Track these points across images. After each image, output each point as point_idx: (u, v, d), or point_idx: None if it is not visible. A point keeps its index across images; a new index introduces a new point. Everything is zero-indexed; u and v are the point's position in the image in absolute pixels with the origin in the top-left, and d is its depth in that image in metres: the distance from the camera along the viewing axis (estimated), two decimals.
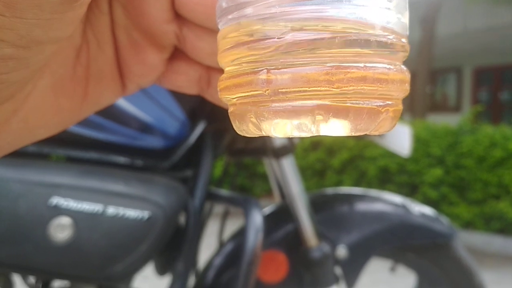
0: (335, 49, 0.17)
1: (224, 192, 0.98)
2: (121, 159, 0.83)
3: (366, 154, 4.23)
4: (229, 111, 0.20)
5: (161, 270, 0.93)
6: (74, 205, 0.73)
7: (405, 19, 0.19)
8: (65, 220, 0.73)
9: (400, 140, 0.99)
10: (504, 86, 9.56)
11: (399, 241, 1.03)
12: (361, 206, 1.02)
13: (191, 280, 0.92)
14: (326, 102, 0.17)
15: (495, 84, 9.69)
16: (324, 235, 0.96)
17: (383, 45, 0.18)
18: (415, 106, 7.18)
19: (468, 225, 3.75)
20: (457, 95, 10.31)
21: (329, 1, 0.17)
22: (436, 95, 10.58)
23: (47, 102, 0.23)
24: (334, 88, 0.17)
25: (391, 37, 0.18)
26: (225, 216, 1.06)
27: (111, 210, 0.74)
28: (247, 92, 0.18)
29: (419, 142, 3.91)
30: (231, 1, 0.19)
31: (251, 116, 0.18)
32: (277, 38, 0.17)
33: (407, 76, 0.19)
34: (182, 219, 0.89)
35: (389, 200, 1.04)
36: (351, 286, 0.99)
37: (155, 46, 0.25)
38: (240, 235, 0.97)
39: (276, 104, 0.17)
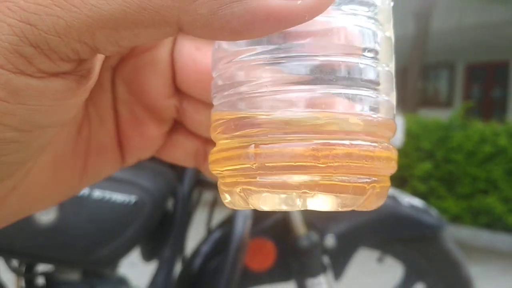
0: (322, 127, 0.18)
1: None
2: None
3: None
4: (218, 183, 0.20)
5: (148, 256, 0.92)
6: None
7: (393, 100, 0.20)
8: None
9: None
10: (496, 83, 9.61)
11: (388, 232, 1.03)
12: None
13: (178, 267, 0.92)
14: (312, 177, 0.18)
15: (487, 81, 9.74)
16: (312, 224, 0.96)
17: (369, 125, 0.18)
18: (407, 100, 7.20)
19: (455, 219, 3.79)
20: (449, 90, 10.35)
21: (320, 82, 0.18)
22: (428, 90, 10.62)
23: (47, 176, 0.23)
24: (320, 164, 0.17)
25: (379, 118, 0.19)
26: (213, 204, 1.05)
27: (97, 193, 0.73)
28: (236, 165, 0.19)
29: (410, 136, 3.93)
30: (227, 79, 0.19)
31: (239, 189, 0.19)
32: (266, 116, 0.18)
33: (393, 154, 0.19)
34: (170, 205, 0.88)
35: None
36: (339, 276, 0.99)
37: (156, 120, 0.26)
38: (228, 222, 0.97)
39: (263, 178, 0.18)
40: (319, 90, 0.18)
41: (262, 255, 0.97)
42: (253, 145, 0.18)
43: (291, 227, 0.94)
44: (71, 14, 0.16)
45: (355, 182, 0.18)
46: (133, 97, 0.26)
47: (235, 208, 0.20)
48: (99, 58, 0.20)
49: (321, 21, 0.18)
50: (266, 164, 0.18)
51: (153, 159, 0.83)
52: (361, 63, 0.18)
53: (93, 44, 0.16)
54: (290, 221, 0.94)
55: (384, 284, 1.24)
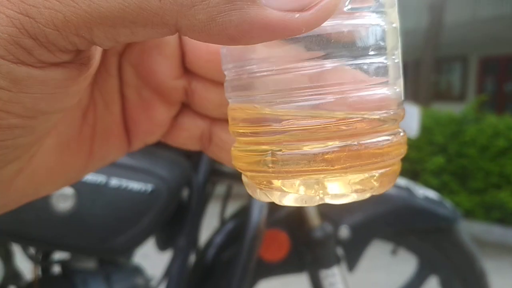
0: (333, 134, 0.19)
1: (228, 168, 0.97)
2: None
3: None
4: (243, 179, 0.22)
5: (162, 246, 0.93)
6: None
7: (399, 87, 0.21)
8: (68, 190, 0.72)
9: (408, 120, 0.98)
10: (510, 77, 9.49)
11: (402, 224, 1.03)
12: None
13: (192, 257, 0.92)
14: (326, 178, 0.19)
15: (500, 74, 9.62)
16: (326, 215, 0.95)
17: (379, 121, 0.19)
18: (419, 94, 7.14)
19: (468, 214, 3.76)
20: (462, 84, 10.25)
21: (330, 86, 0.19)
22: (441, 83, 10.52)
23: (53, 160, 0.24)
24: (332, 167, 0.19)
25: (389, 112, 0.20)
26: (227, 196, 1.05)
27: (114, 181, 0.74)
28: (255, 172, 0.20)
29: (422, 129, 3.89)
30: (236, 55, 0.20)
31: (261, 188, 0.20)
32: (279, 126, 0.19)
33: (402, 140, 0.21)
34: (185, 194, 0.89)
35: None
36: (353, 267, 0.99)
37: (164, 103, 0.26)
38: (241, 214, 0.97)
39: (281, 182, 0.20)
40: (330, 96, 0.19)
41: (276, 246, 0.97)
42: (270, 152, 0.19)
43: (305, 218, 0.94)
44: (69, 9, 0.16)
45: (367, 177, 0.19)
46: (141, 80, 0.26)
47: (259, 200, 0.22)
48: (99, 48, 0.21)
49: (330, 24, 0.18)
50: (283, 170, 0.19)
51: (169, 148, 0.83)
52: (370, 62, 0.19)
53: (90, 38, 0.17)
54: (304, 212, 0.93)
55: (397, 279, 1.24)
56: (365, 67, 0.19)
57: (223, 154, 0.27)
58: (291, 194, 0.20)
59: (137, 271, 0.88)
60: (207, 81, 0.25)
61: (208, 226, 1.00)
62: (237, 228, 0.96)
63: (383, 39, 0.19)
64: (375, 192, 0.20)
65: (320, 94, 0.19)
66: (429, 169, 3.90)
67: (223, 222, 1.00)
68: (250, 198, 0.87)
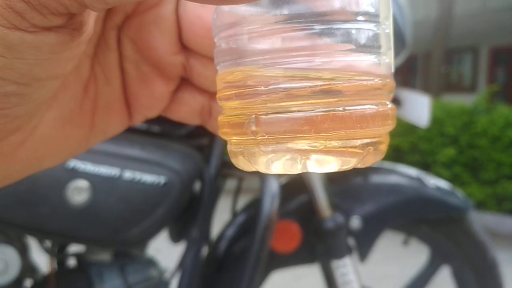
0: (318, 98, 0.18)
1: None
2: (138, 124, 0.83)
3: None
4: (227, 148, 0.22)
5: (175, 238, 0.94)
6: (92, 169, 0.74)
7: (390, 58, 0.20)
8: (83, 183, 0.73)
9: (419, 110, 0.98)
10: None
11: (414, 214, 1.03)
12: (376, 178, 1.01)
13: (205, 250, 0.93)
14: (310, 144, 0.19)
15: (511, 64, 9.51)
16: (338, 206, 0.96)
17: (366, 87, 0.19)
18: (430, 85, 7.09)
19: (480, 205, 3.73)
20: (473, 75, 10.15)
21: (319, 51, 0.18)
22: (451, 74, 10.43)
23: (55, 132, 0.24)
24: (316, 132, 0.18)
25: (376, 80, 0.19)
26: (238, 189, 1.05)
27: (128, 174, 0.75)
28: (240, 135, 0.20)
29: (433, 121, 3.87)
30: (225, 26, 0.20)
31: (244, 155, 0.20)
32: (265, 87, 0.19)
33: (390, 113, 0.20)
34: (197, 187, 0.90)
35: (404, 173, 1.04)
36: (364, 258, 0.99)
37: (163, 78, 0.26)
38: (252, 206, 0.98)
39: (265, 147, 0.19)
40: (318, 59, 0.18)
41: (287, 237, 0.98)
42: (255, 116, 0.19)
43: (316, 209, 0.94)
44: None
45: (352, 146, 0.19)
46: (140, 55, 0.26)
47: (243, 169, 0.21)
48: (92, 12, 0.21)
49: None
50: (266, 135, 0.19)
51: (181, 141, 0.83)
52: (359, 28, 0.19)
53: (81, 0, 0.17)
54: (315, 203, 0.94)
55: (408, 271, 1.24)
56: (354, 32, 0.19)
57: None
58: (273, 161, 0.19)
59: (151, 263, 0.89)
60: (204, 57, 0.25)
61: (220, 221, 1.01)
62: (249, 221, 0.96)
63: (374, 6, 0.19)
64: (360, 163, 0.19)
65: (307, 56, 0.18)
66: (440, 161, 3.87)
67: (234, 214, 1.01)
68: (261, 190, 0.88)
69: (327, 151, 0.19)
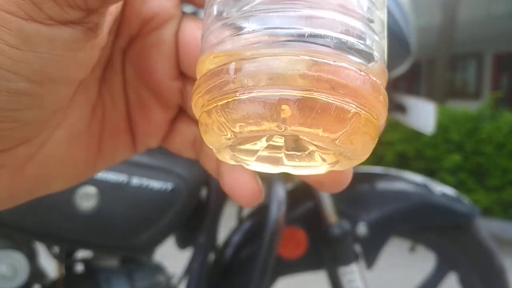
0: (308, 45, 0.17)
1: None
2: None
3: (383, 139, 4.20)
4: (199, 120, 0.19)
5: (182, 244, 0.94)
6: (100, 175, 0.74)
7: (384, 46, 0.19)
8: (91, 190, 0.74)
9: (424, 117, 0.98)
10: None
11: (420, 221, 1.03)
12: (382, 185, 1.02)
13: (211, 256, 0.93)
14: (293, 91, 0.16)
15: None
16: (344, 213, 0.96)
17: (358, 52, 0.17)
18: (434, 92, 7.09)
19: (486, 211, 3.72)
20: (477, 81, 10.14)
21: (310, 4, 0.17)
22: (455, 81, 10.42)
23: (63, 152, 0.24)
24: (302, 80, 0.16)
25: (367, 45, 0.18)
26: None
27: (135, 180, 0.75)
28: (215, 82, 0.18)
29: (438, 127, 3.87)
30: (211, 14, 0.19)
31: (217, 111, 0.17)
32: (250, 33, 0.17)
33: (382, 94, 0.18)
34: (203, 193, 0.90)
35: (410, 180, 1.04)
36: (371, 264, 0.99)
37: (161, 105, 0.27)
38: (258, 213, 0.98)
39: (242, 95, 0.17)
40: (305, 10, 0.17)
41: (294, 244, 0.98)
42: (234, 62, 0.17)
43: (323, 216, 0.94)
44: None
45: (338, 103, 0.16)
46: (140, 80, 0.26)
47: (213, 146, 0.19)
48: (107, 20, 0.21)
49: None
50: (246, 78, 0.17)
51: None
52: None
53: None
54: (322, 209, 0.94)
55: (415, 277, 1.23)
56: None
57: (209, 163, 0.26)
58: (248, 128, 0.17)
59: (159, 269, 0.89)
60: None
61: (225, 227, 1.01)
62: (255, 227, 0.97)
63: (369, 12, 0.18)
64: (346, 137, 0.17)
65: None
66: (446, 167, 3.87)
67: (240, 221, 1.01)
68: (268, 196, 0.88)
69: (312, 101, 0.16)
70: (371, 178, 1.02)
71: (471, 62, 10.24)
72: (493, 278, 1.07)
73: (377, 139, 0.18)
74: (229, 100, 0.17)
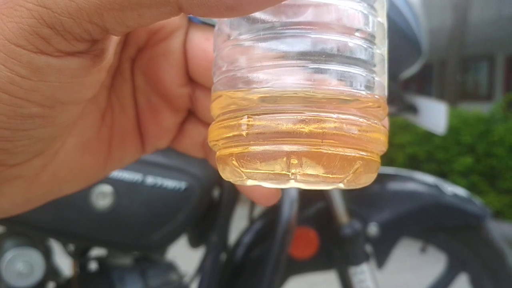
0: (312, 101, 0.18)
1: None
2: None
3: (394, 141, 4.19)
4: (216, 157, 0.21)
5: (194, 243, 0.95)
6: (115, 174, 0.75)
7: (384, 81, 0.21)
8: (106, 188, 0.75)
9: (436, 117, 0.98)
10: None
11: (431, 221, 1.02)
12: (394, 185, 1.02)
13: (223, 256, 0.94)
14: (301, 147, 0.18)
15: None
16: (355, 213, 0.96)
17: (360, 101, 0.19)
18: (446, 94, 7.04)
19: (497, 214, 3.69)
20: (489, 83, 10.05)
21: (313, 59, 0.18)
22: (467, 83, 10.34)
23: (74, 159, 0.26)
24: (308, 135, 0.18)
25: (369, 96, 0.19)
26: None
27: (150, 179, 0.76)
28: (229, 133, 0.19)
29: (450, 130, 3.84)
30: (224, 57, 0.21)
31: (233, 159, 0.19)
32: (259, 88, 0.19)
33: (383, 132, 0.20)
34: (216, 193, 0.91)
35: (421, 180, 1.04)
36: (382, 265, 0.99)
37: (171, 110, 0.28)
38: (269, 213, 0.98)
39: (255, 147, 0.19)
40: (311, 65, 0.18)
41: (305, 244, 0.98)
42: (246, 116, 0.19)
43: (334, 216, 0.94)
44: None
45: (342, 153, 0.18)
46: (150, 86, 0.27)
47: (231, 181, 0.21)
48: (113, 41, 0.22)
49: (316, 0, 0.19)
50: (258, 134, 0.18)
51: None
52: (355, 43, 0.19)
53: (102, 24, 0.18)
54: (333, 209, 0.94)
55: (426, 280, 1.23)
56: (351, 45, 0.19)
57: None
58: (262, 167, 0.19)
59: (171, 267, 0.90)
60: (208, 89, 0.26)
61: (236, 228, 1.02)
62: (266, 227, 0.97)
63: (370, 26, 0.20)
64: (350, 180, 0.19)
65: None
66: (457, 170, 3.85)
67: (251, 221, 1.02)
68: (280, 195, 0.89)
69: (318, 154, 0.18)
70: (382, 178, 1.02)
71: (482, 64, 10.16)
72: (505, 279, 1.06)
73: (378, 171, 0.21)
74: (244, 151, 0.19)
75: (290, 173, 0.18)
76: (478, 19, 7.74)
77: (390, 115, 1.05)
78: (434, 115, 0.98)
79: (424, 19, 0.91)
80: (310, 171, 0.18)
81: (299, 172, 0.18)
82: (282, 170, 0.18)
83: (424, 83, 10.47)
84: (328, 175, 0.18)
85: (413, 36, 0.86)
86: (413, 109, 1.00)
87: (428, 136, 3.95)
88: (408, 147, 4.09)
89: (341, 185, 0.20)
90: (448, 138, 3.86)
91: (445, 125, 0.96)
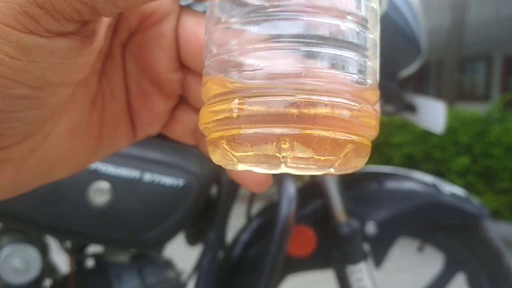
0: (304, 84, 0.18)
1: None
2: None
3: (391, 141, 4.19)
4: (206, 141, 0.21)
5: (192, 241, 0.95)
6: (113, 171, 0.75)
7: (376, 67, 0.21)
8: (104, 185, 0.75)
9: (434, 116, 0.98)
10: None
11: (429, 220, 1.02)
12: (391, 184, 1.02)
13: (220, 254, 0.94)
14: (292, 130, 0.18)
15: None
16: (353, 212, 0.96)
17: (352, 85, 0.19)
18: (443, 94, 7.05)
19: (494, 214, 3.70)
20: (486, 83, 10.08)
21: (305, 41, 0.18)
22: (464, 83, 10.36)
23: (64, 143, 0.25)
24: (299, 117, 0.18)
25: (362, 80, 0.19)
26: (252, 196, 1.06)
27: (148, 176, 0.76)
28: (220, 116, 0.19)
29: (447, 129, 3.84)
30: (214, 41, 0.20)
31: (223, 142, 0.19)
32: (251, 71, 0.19)
33: (374, 116, 0.20)
34: (214, 191, 0.91)
35: (419, 179, 1.04)
36: (379, 263, 1.00)
37: (162, 96, 0.27)
38: (267, 211, 0.98)
39: (246, 130, 0.19)
40: (303, 48, 0.18)
41: (303, 242, 0.98)
42: (237, 99, 0.19)
43: (332, 214, 0.94)
44: None
45: (333, 136, 0.18)
46: (141, 72, 0.27)
47: (221, 165, 0.21)
48: (103, 23, 0.22)
49: None
50: (248, 116, 0.18)
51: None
52: (348, 26, 0.19)
53: (92, 4, 0.18)
54: (331, 208, 0.94)
55: (423, 280, 1.23)
56: (343, 28, 0.19)
57: None
58: (253, 150, 0.19)
59: (169, 264, 0.90)
60: (199, 75, 0.26)
61: (234, 226, 1.02)
62: (263, 225, 0.97)
63: (362, 10, 0.19)
64: (341, 164, 0.19)
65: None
66: (454, 170, 3.86)
67: (249, 219, 1.01)
68: (279, 193, 0.88)
69: (309, 137, 0.18)
70: (380, 177, 1.02)
71: (480, 64, 10.18)
72: (502, 279, 1.07)
73: (369, 155, 0.21)
74: (235, 134, 0.19)
75: (281, 156, 0.18)
76: (476, 19, 7.75)
77: (389, 114, 1.05)
78: (433, 114, 0.98)
79: (423, 19, 0.91)
80: (300, 154, 0.18)
81: (289, 155, 0.18)
82: (273, 153, 0.18)
83: (422, 82, 10.49)
84: (319, 157, 0.18)
85: (412, 35, 0.86)
86: (411, 108, 1.00)
87: (425, 136, 3.96)
88: (405, 147, 4.09)
89: (332, 170, 0.19)
90: (445, 138, 3.87)
91: (443, 124, 0.96)
